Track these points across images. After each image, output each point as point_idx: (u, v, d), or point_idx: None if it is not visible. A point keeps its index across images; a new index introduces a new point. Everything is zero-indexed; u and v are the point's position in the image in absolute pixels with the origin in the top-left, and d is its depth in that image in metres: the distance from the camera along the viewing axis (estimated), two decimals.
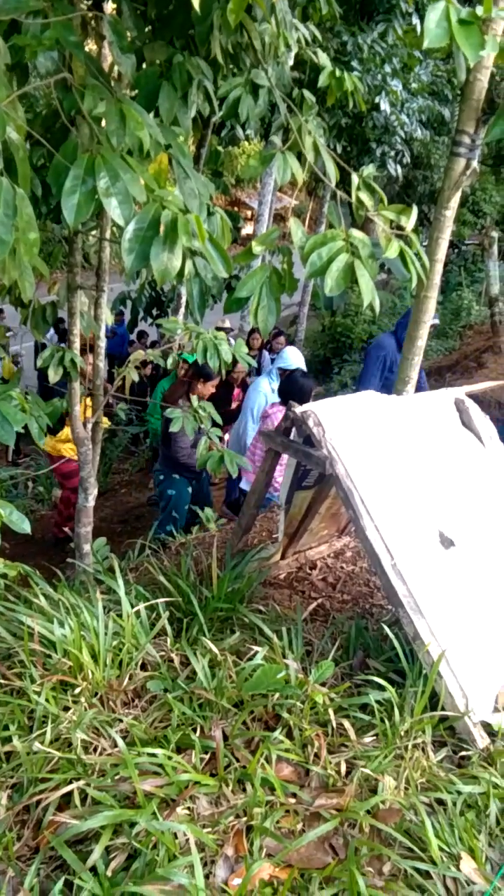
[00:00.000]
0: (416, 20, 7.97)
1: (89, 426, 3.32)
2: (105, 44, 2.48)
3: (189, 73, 2.29)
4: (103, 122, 1.79)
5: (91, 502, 3.43)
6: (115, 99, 1.75)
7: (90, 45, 2.89)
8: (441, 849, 1.54)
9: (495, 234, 8.35)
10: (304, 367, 5.14)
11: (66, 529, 5.92)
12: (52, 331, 10.21)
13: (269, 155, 2.21)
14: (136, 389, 7.77)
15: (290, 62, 3.60)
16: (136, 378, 4.29)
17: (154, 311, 8.37)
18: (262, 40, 2.74)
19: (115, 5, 2.45)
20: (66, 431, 5.55)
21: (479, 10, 1.51)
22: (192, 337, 3.24)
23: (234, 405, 5.53)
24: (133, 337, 11.97)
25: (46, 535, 6.39)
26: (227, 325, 8.15)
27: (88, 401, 3.37)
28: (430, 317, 3.40)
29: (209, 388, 4.78)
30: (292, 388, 4.25)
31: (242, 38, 2.62)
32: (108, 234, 3.06)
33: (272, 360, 8.60)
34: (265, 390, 5.44)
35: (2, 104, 1.43)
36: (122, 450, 9.01)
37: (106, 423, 5.66)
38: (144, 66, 2.33)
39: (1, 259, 1.54)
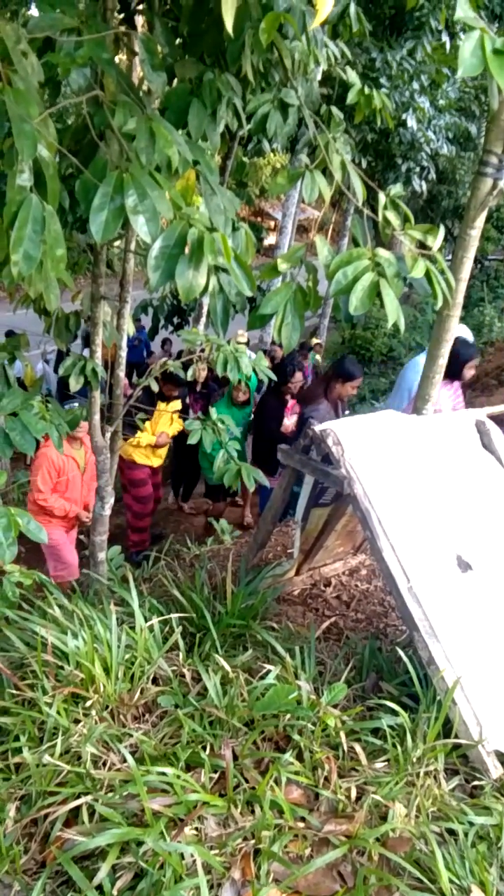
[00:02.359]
0: (445, 37, 7.98)
1: (108, 435, 3.33)
2: (136, 59, 2.51)
3: (219, 90, 2.30)
4: (134, 139, 1.81)
5: (108, 511, 3.43)
6: (145, 116, 1.76)
7: (120, 59, 2.93)
8: (451, 881, 1.51)
9: None
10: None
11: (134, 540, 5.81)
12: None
13: (297, 173, 2.22)
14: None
15: (318, 77, 3.62)
16: (157, 388, 4.31)
17: (175, 320, 8.43)
18: (293, 57, 2.76)
19: (146, 20, 2.48)
20: (142, 436, 5.43)
21: None
22: (212, 349, 3.25)
23: (290, 419, 5.40)
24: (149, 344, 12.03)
25: None
26: (245, 339, 8.16)
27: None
28: (452, 335, 3.38)
29: (349, 388, 4.69)
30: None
31: (273, 56, 2.64)
32: (132, 246, 3.09)
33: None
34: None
35: (35, 122, 1.44)
36: None
37: (179, 425, 5.60)
38: (175, 82, 2.35)
39: (28, 273, 1.55)
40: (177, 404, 5.86)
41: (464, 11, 1.60)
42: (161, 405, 5.53)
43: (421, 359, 5.05)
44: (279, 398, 5.44)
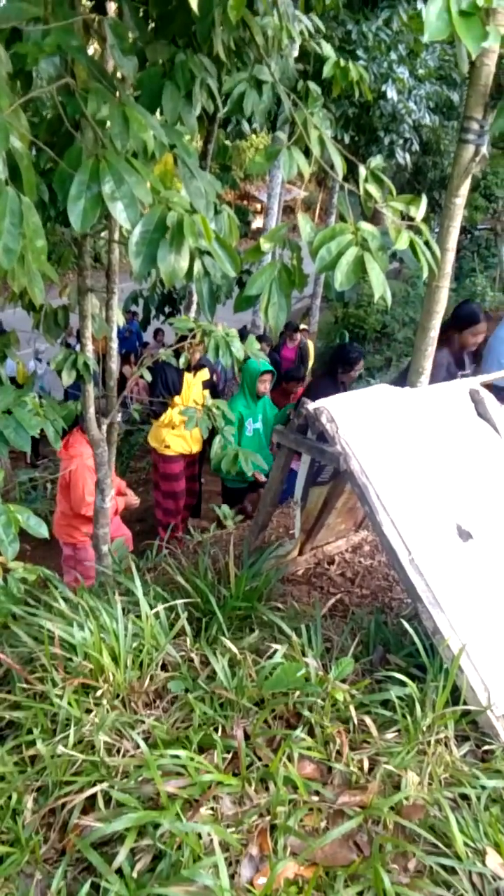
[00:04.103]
0: (420, 5, 7.87)
1: (104, 427, 3.33)
2: (108, 47, 2.48)
3: (192, 72, 2.28)
4: (108, 125, 1.79)
5: (108, 503, 3.44)
6: (118, 101, 1.75)
7: (94, 48, 2.89)
8: (466, 844, 1.53)
9: None
10: None
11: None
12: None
13: (275, 150, 2.20)
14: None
15: (295, 54, 3.58)
16: (150, 378, 4.30)
17: (166, 309, 8.39)
18: (265, 34, 2.72)
19: (118, 7, 2.44)
20: (170, 413, 5.24)
21: (480, 1, 1.49)
22: (203, 335, 3.24)
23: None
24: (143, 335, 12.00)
25: None
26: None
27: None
28: (442, 307, 3.37)
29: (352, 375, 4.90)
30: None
31: (245, 34, 2.61)
32: (116, 236, 3.07)
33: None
34: None
35: (4, 113, 1.43)
36: (137, 448, 9.04)
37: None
38: (148, 66, 2.32)
39: (10, 267, 1.54)
40: (204, 374, 5.78)
41: None
42: (188, 376, 5.46)
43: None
44: (335, 385, 5.12)
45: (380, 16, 7.71)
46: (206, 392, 5.60)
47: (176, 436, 5.46)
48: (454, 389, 2.72)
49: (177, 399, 5.28)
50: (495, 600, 2.13)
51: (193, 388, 5.49)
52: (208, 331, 3.21)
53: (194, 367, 5.44)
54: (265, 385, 5.40)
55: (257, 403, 5.47)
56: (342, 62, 3.20)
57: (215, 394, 5.80)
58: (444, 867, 1.48)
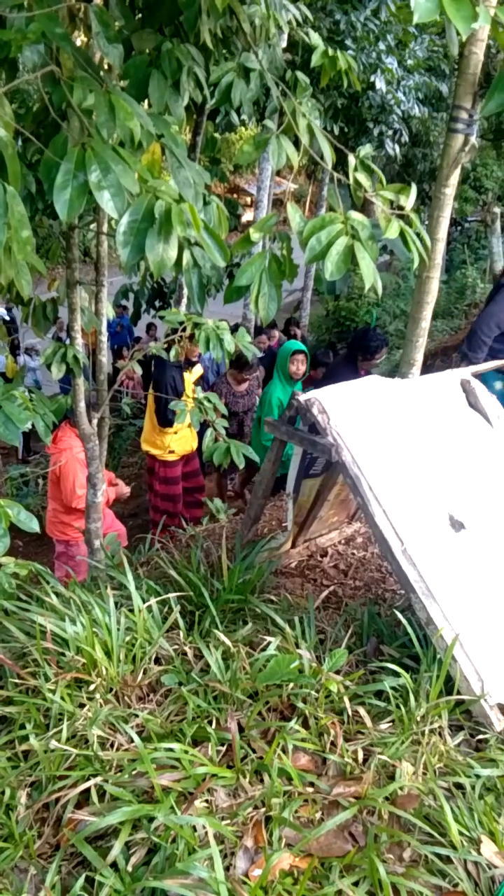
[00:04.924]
0: None
1: (94, 421, 3.31)
2: (93, 34, 2.45)
3: (179, 60, 2.25)
4: (94, 115, 1.77)
5: (100, 498, 3.43)
6: (104, 90, 1.72)
7: (80, 38, 2.86)
8: (461, 833, 1.53)
9: (497, 209, 8.26)
10: None
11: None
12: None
13: (264, 140, 2.18)
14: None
15: (283, 44, 3.55)
16: (140, 370, 4.28)
17: (157, 303, 8.35)
18: (252, 23, 2.70)
19: None
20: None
21: None
22: (194, 327, 3.22)
23: None
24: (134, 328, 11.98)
25: None
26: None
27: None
28: (433, 297, 3.36)
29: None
30: None
31: (232, 22, 2.58)
32: (105, 228, 3.04)
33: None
34: None
35: None
36: (129, 443, 9.02)
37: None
38: (134, 55, 2.30)
39: None
40: (198, 370, 5.68)
41: None
42: (186, 376, 5.36)
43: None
44: (355, 373, 4.98)
45: (368, 6, 7.67)
46: (199, 388, 5.57)
47: (178, 439, 5.36)
48: (446, 380, 2.72)
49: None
50: (488, 590, 2.13)
51: (189, 386, 5.44)
52: (199, 323, 3.20)
53: (189, 364, 5.39)
54: (296, 365, 5.12)
55: (294, 386, 5.19)
56: (331, 52, 3.18)
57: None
58: (439, 856, 1.48)
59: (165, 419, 5.10)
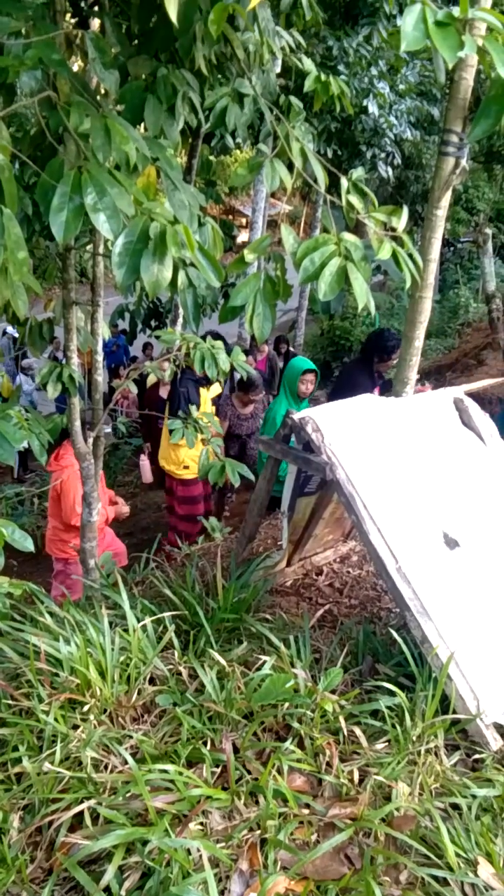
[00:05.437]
0: (400, 22, 7.97)
1: (90, 441, 3.32)
2: (89, 60, 2.50)
3: (174, 86, 2.29)
4: (91, 139, 1.80)
5: (95, 517, 3.42)
6: (99, 114, 1.75)
7: (78, 64, 2.91)
8: (458, 855, 1.52)
9: (489, 230, 8.36)
10: None
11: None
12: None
13: (257, 163, 2.21)
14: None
15: (277, 69, 3.61)
16: (136, 390, 4.30)
17: (153, 323, 8.39)
18: (246, 49, 2.75)
19: (101, 23, 2.46)
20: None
21: (456, 12, 1.51)
22: (189, 347, 3.24)
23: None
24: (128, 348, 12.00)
25: None
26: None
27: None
28: (426, 317, 3.39)
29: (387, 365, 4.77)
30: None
31: (226, 49, 2.63)
32: (101, 249, 3.07)
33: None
34: None
35: None
36: (125, 462, 9.01)
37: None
38: (130, 80, 2.34)
39: None
40: (216, 388, 5.58)
41: None
42: (203, 392, 5.32)
43: None
44: (371, 376, 4.85)
45: (360, 32, 7.80)
46: (214, 408, 5.54)
47: (195, 457, 5.14)
48: (439, 399, 2.74)
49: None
50: (483, 608, 2.13)
51: (204, 405, 5.38)
52: (194, 343, 3.22)
53: (207, 382, 5.32)
54: (306, 385, 4.86)
55: (300, 405, 4.96)
56: (323, 77, 3.23)
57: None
58: (436, 878, 1.46)
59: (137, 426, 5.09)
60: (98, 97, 2.18)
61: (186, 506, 5.43)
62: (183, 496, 5.43)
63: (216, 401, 5.80)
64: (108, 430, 4.36)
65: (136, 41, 2.56)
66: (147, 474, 6.65)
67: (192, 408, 3.72)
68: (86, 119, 1.76)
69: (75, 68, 2.46)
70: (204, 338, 3.23)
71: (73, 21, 2.84)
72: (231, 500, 6.69)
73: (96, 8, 2.69)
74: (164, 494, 5.63)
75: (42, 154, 2.40)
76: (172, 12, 1.72)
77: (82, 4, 2.76)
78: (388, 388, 5.34)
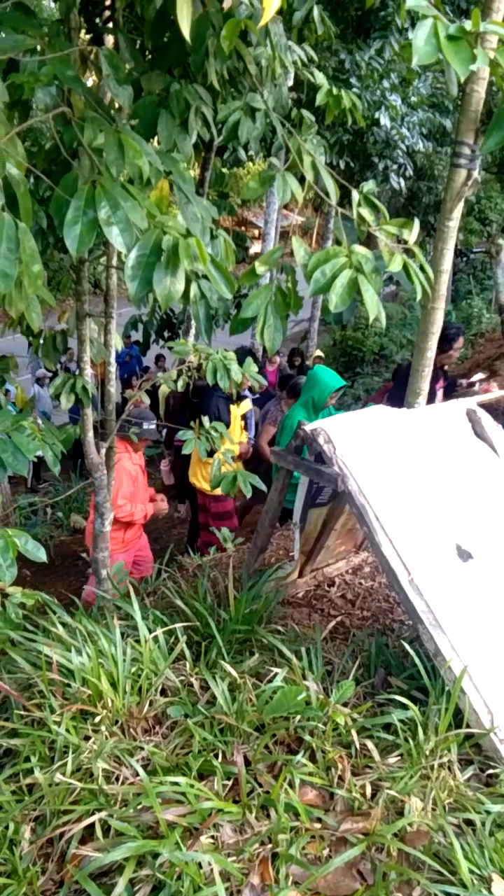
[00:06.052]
0: (411, 35, 8.02)
1: (102, 451, 3.33)
2: (103, 76, 2.53)
3: (187, 100, 2.32)
4: (104, 153, 1.82)
5: (108, 527, 3.44)
6: (113, 129, 1.77)
7: (92, 79, 2.95)
8: (471, 871, 1.50)
9: (502, 241, 8.34)
10: None
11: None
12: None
13: (268, 176, 2.23)
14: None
15: (290, 83, 3.64)
16: (148, 400, 4.32)
17: (166, 334, 8.43)
18: (258, 64, 2.78)
19: (115, 39, 2.50)
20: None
21: (468, 25, 1.52)
22: (202, 358, 3.26)
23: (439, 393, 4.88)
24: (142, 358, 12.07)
25: (66, 560, 6.40)
26: (320, 353, 8.10)
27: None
28: (438, 328, 3.39)
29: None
30: None
31: (239, 64, 2.66)
32: (114, 261, 3.10)
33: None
34: None
35: (1, 141, 1.45)
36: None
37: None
38: (143, 95, 2.37)
39: (7, 292, 1.56)
40: (247, 405, 5.57)
41: (415, 0, 1.60)
42: (233, 408, 5.30)
43: None
44: (433, 372, 4.81)
45: (372, 45, 7.86)
46: (243, 423, 5.51)
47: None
48: (451, 410, 2.73)
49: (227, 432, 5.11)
50: (497, 621, 2.11)
51: (235, 422, 5.36)
52: (206, 354, 3.23)
53: (239, 398, 5.30)
54: (334, 400, 4.86)
55: (318, 415, 4.85)
56: (335, 90, 3.26)
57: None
58: (449, 895, 1.44)
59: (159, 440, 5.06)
60: (112, 112, 2.20)
61: (221, 521, 5.36)
62: (217, 512, 5.39)
63: (245, 416, 5.77)
64: (153, 426, 4.39)
65: (149, 57, 2.60)
66: (168, 477, 6.68)
67: (221, 424, 3.69)
68: (100, 134, 1.79)
69: (90, 84, 2.50)
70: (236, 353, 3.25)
71: (87, 38, 2.89)
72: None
73: (110, 24, 2.74)
74: (199, 512, 5.57)
75: (56, 168, 2.44)
76: (185, 28, 1.74)
77: (97, 21, 2.81)
78: (452, 390, 5.07)
